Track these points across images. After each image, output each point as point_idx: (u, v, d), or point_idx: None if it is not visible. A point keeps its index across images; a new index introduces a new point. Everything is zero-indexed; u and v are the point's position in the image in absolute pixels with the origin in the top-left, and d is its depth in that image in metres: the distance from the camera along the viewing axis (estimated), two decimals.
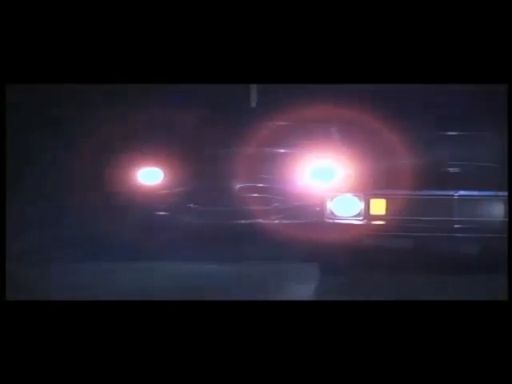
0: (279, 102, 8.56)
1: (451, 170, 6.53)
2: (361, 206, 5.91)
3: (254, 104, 10.36)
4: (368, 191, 5.98)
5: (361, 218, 5.92)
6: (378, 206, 5.92)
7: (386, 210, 5.92)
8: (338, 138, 7.73)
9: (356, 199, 5.94)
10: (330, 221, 5.97)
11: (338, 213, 5.98)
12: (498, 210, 5.83)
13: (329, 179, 6.94)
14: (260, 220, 7.14)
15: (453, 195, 5.85)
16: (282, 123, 7.89)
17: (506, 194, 5.76)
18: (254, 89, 10.35)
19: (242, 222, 7.14)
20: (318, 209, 6.25)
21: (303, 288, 6.02)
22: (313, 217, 6.60)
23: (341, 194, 6.00)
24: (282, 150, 7.60)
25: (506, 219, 5.76)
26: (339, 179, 6.73)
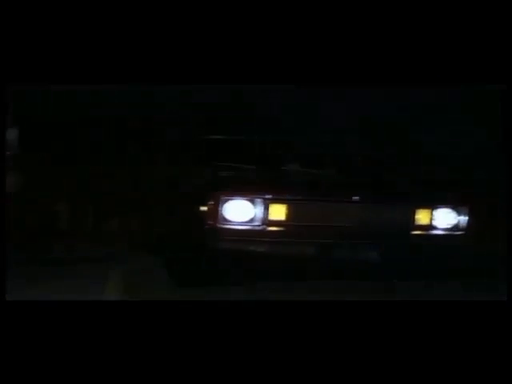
0: None
1: (353, 176, 6.40)
2: (256, 211, 5.48)
3: None
4: (265, 195, 5.51)
5: (257, 224, 5.49)
6: (278, 212, 5.53)
7: (287, 215, 5.53)
8: None
9: (250, 204, 5.48)
10: (223, 226, 5.44)
11: (230, 218, 5.47)
12: (400, 218, 5.72)
13: None
14: None
15: (354, 201, 5.62)
16: None
17: (403, 202, 5.75)
18: None
19: None
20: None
21: None
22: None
23: (235, 198, 5.48)
24: None
25: (404, 227, 5.71)
26: None
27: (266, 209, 5.48)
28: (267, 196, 5.51)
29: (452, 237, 5.87)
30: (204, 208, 5.60)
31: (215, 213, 5.44)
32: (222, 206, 5.44)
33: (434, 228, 5.83)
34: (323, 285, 5.65)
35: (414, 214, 5.78)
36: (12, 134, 7.21)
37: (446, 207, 5.88)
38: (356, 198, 5.62)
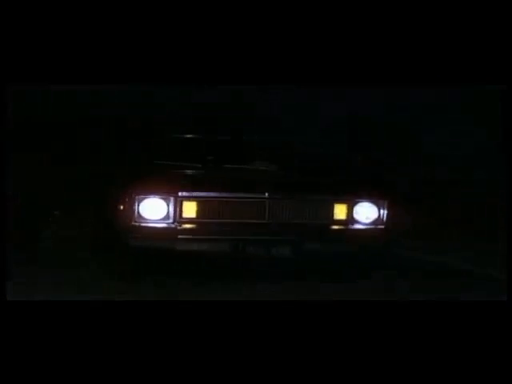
0: None
1: (264, 172, 6.39)
2: (169, 208, 5.48)
3: None
4: (178, 193, 5.52)
5: (171, 222, 5.51)
6: (191, 209, 5.54)
7: (199, 212, 5.54)
8: None
9: (163, 202, 5.50)
10: (137, 224, 5.46)
11: (146, 215, 5.48)
12: (318, 213, 5.69)
13: None
14: None
15: (265, 197, 5.59)
16: None
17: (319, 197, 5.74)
18: None
19: None
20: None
21: None
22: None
23: (149, 196, 5.50)
24: None
25: (322, 222, 5.69)
26: None
27: (179, 206, 5.51)
28: (180, 194, 5.52)
29: (372, 231, 5.82)
30: (119, 206, 5.64)
31: (129, 211, 5.47)
32: (136, 205, 5.47)
33: (355, 222, 5.78)
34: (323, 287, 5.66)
35: (332, 208, 5.74)
36: None
37: (366, 201, 5.81)
38: (267, 193, 5.59)
